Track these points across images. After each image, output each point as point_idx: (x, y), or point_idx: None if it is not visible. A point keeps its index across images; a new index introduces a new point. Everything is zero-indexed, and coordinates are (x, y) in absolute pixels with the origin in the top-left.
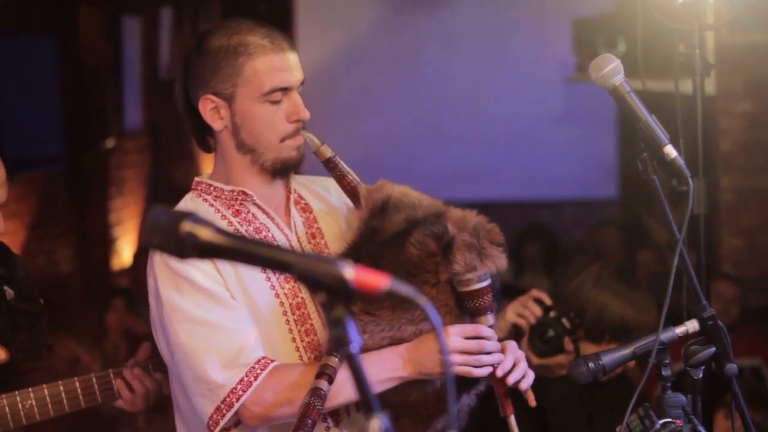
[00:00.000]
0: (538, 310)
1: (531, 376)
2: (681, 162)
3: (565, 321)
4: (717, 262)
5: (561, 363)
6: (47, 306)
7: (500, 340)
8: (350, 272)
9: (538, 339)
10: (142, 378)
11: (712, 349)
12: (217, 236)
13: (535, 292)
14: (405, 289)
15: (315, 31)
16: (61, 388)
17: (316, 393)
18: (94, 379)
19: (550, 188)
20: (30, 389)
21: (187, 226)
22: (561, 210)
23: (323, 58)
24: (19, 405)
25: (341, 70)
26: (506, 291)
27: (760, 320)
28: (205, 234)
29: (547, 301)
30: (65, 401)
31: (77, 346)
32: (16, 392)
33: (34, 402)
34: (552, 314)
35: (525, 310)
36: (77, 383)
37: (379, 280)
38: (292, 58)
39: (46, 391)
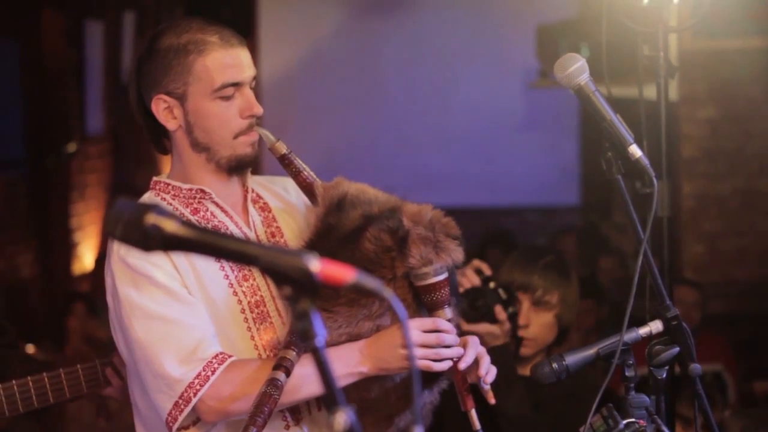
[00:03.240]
0: (475, 279)
1: (493, 371)
2: (646, 162)
3: (501, 291)
4: (678, 268)
5: (493, 333)
6: (8, 310)
7: (460, 334)
8: (316, 265)
9: (467, 305)
10: None
11: (676, 349)
12: (182, 228)
13: (476, 262)
14: (371, 282)
15: (278, 36)
16: (47, 380)
17: (273, 383)
18: (80, 370)
19: (512, 195)
20: (13, 381)
21: (151, 219)
22: (523, 217)
23: (286, 63)
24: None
25: (304, 75)
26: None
27: (721, 326)
28: (170, 226)
29: (487, 271)
30: (50, 392)
31: (38, 351)
32: (14, 381)
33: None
34: (492, 285)
35: (462, 278)
36: (62, 374)
37: (344, 273)
38: (243, 54)
39: (30, 384)
